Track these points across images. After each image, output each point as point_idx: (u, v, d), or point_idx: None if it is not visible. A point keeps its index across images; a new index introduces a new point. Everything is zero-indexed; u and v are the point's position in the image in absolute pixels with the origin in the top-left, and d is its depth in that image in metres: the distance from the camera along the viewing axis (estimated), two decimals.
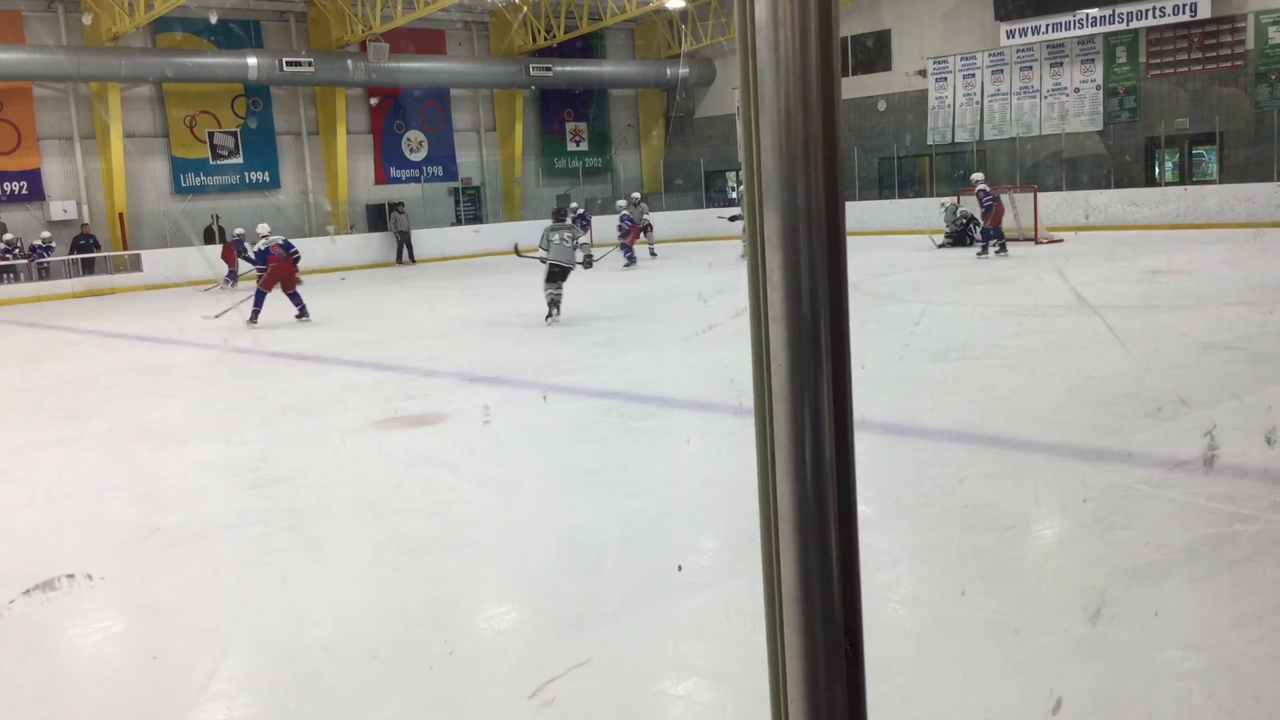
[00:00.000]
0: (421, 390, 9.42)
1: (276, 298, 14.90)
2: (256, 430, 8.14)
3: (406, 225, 26.83)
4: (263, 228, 15.89)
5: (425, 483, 6.45)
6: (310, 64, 25.69)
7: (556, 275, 13.22)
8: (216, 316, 15.13)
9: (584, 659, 3.80)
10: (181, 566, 5.13)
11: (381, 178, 29.13)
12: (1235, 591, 4.09)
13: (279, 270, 14.87)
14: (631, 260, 22.01)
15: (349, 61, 26.35)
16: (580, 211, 25.59)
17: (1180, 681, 3.49)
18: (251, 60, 25.06)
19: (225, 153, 26.55)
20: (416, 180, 29.56)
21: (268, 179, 27.20)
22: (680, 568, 4.59)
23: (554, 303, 13.20)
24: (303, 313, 14.85)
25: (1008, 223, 21.67)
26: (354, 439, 7.58)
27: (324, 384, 10.09)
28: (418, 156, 29.78)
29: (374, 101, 28.48)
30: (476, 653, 4.05)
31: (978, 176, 20.92)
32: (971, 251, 20.10)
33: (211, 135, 26.28)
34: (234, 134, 26.63)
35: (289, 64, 25.35)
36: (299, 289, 15.15)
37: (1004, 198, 21.43)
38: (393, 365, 10.96)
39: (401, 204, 27.36)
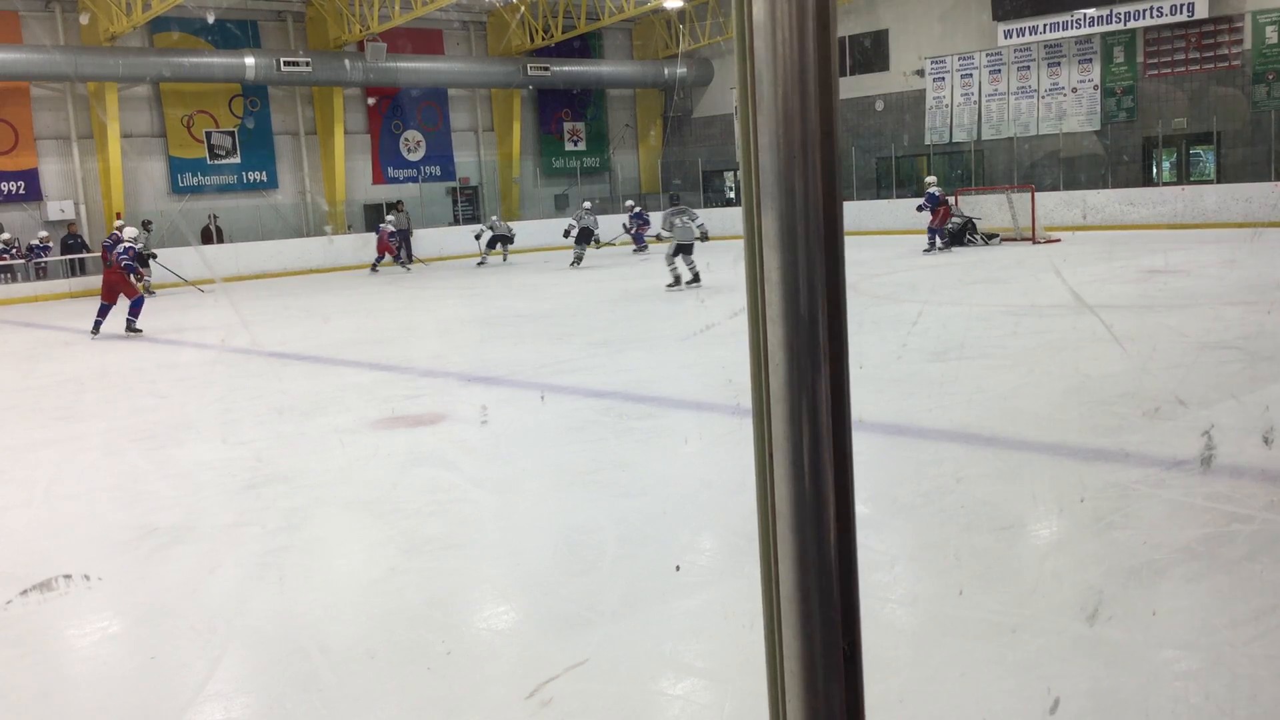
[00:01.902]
0: (420, 390, 9.42)
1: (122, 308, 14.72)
2: (254, 430, 8.14)
3: (407, 224, 26.83)
4: (128, 231, 15.61)
5: (423, 483, 6.45)
6: (308, 64, 25.69)
7: (683, 250, 16.02)
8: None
9: (582, 659, 3.80)
10: (179, 567, 5.13)
11: (379, 178, 29.14)
12: (1232, 591, 4.09)
13: (106, 279, 14.71)
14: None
15: (346, 61, 26.35)
16: (638, 210, 26.85)
17: (1177, 681, 3.49)
18: (249, 60, 25.06)
19: (223, 153, 26.55)
20: (414, 180, 29.56)
21: (265, 179, 27.19)
22: (678, 568, 4.59)
23: (679, 276, 16.08)
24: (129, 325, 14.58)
25: (1005, 223, 21.79)
26: (352, 439, 7.58)
27: (322, 384, 10.09)
28: (415, 156, 29.78)
29: (371, 101, 28.49)
30: (474, 653, 4.05)
31: (931, 179, 21.89)
32: (969, 251, 20.23)
33: (209, 135, 26.27)
34: (231, 134, 26.62)
35: (287, 64, 25.36)
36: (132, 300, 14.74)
37: (1000, 198, 21.68)
38: (391, 365, 10.96)
39: (401, 202, 27.38)
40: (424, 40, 28.75)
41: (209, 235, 25.71)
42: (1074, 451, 6.24)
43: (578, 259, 22.78)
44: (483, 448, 7.37)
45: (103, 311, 14.61)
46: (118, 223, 15.75)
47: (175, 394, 10.26)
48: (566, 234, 23.78)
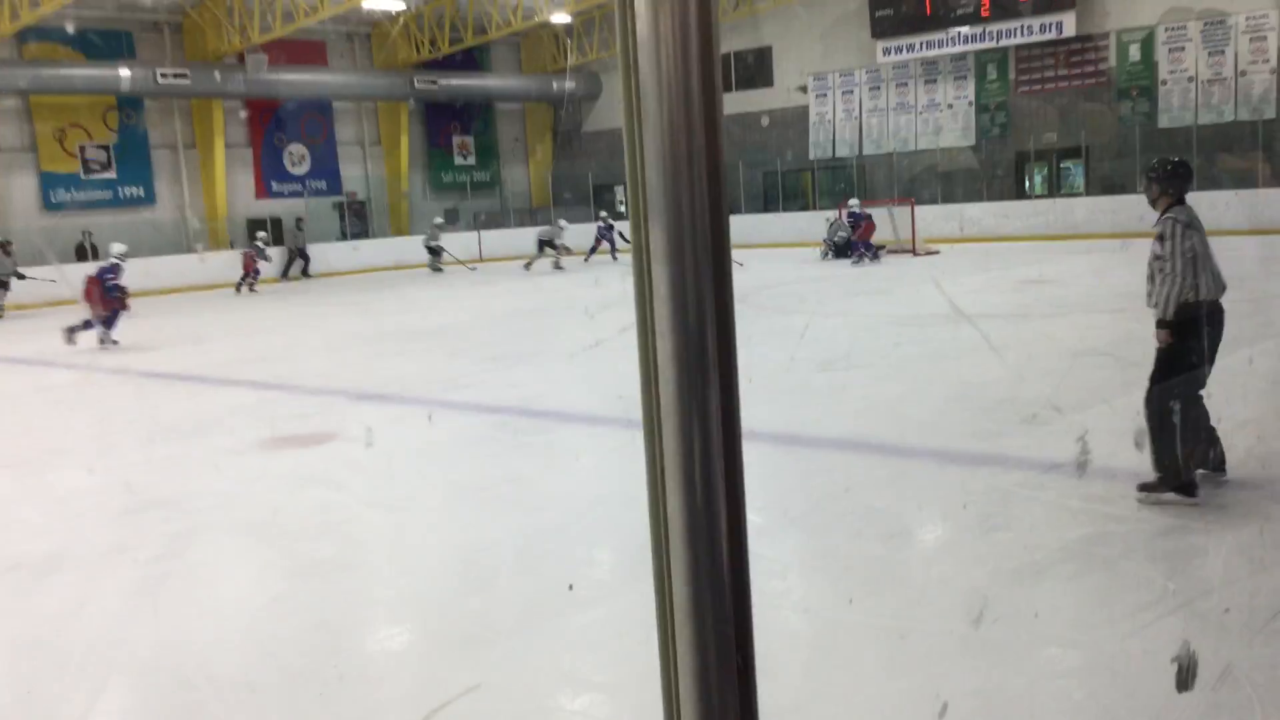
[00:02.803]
0: (308, 409, 9.22)
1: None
2: (132, 454, 7.87)
3: (304, 241, 26.37)
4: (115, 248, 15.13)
5: (312, 504, 6.30)
6: (186, 76, 25.01)
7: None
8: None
9: (479, 678, 3.76)
10: (53, 597, 4.91)
11: (262, 192, 28.46)
12: (1109, 589, 4.25)
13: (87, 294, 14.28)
14: None
15: (226, 73, 25.72)
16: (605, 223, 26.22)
17: (1059, 679, 3.60)
18: (124, 72, 24.28)
19: (97, 167, 25.64)
20: (299, 194, 28.94)
21: (143, 194, 26.34)
22: (571, 587, 4.57)
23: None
24: (67, 332, 14.12)
25: (887, 235, 22.32)
26: (237, 461, 7.38)
27: (206, 404, 9.80)
28: (300, 170, 29.18)
29: (243, 114, 27.70)
30: (368, 676, 3.98)
31: (854, 202, 22.32)
32: (851, 262, 20.70)
33: (83, 149, 25.35)
34: (106, 148, 25.73)
35: (164, 76, 24.65)
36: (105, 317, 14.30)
37: (881, 212, 22.29)
38: (278, 384, 10.71)
39: (301, 219, 26.90)
40: (306, 52, 28.20)
41: (83, 253, 24.76)
42: (957, 457, 6.41)
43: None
44: (373, 467, 7.24)
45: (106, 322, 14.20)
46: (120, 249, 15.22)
47: (47, 418, 9.85)
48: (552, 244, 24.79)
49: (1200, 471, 5.18)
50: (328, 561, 5.20)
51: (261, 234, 24.73)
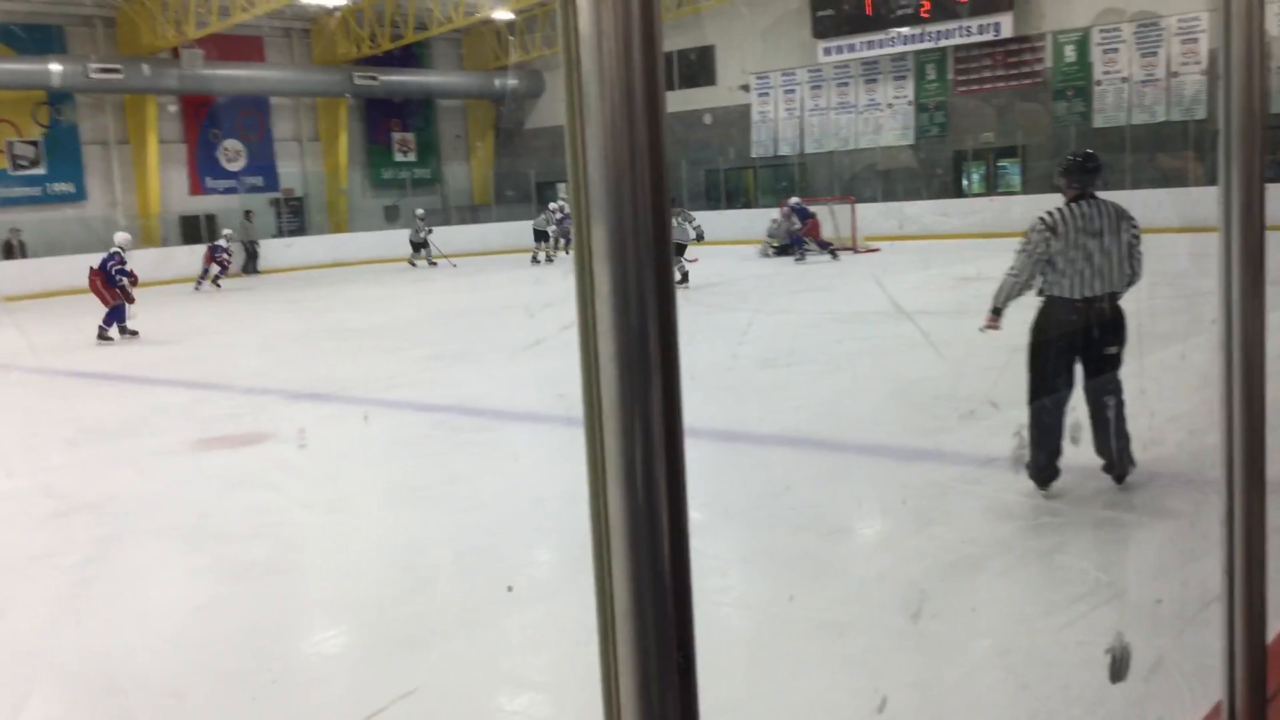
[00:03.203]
0: (240, 409, 9.07)
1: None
2: (58, 456, 7.68)
3: (255, 234, 25.93)
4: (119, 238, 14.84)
5: (245, 506, 6.20)
6: (119, 71, 24.50)
7: (676, 249, 15.84)
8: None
9: (417, 680, 3.72)
10: None
11: (197, 188, 27.96)
12: (1044, 582, 4.32)
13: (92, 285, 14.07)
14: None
15: (161, 68, 25.24)
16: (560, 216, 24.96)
17: (996, 671, 3.65)
18: (54, 67, 23.71)
19: (25, 163, 25.02)
20: (234, 191, 28.48)
21: (74, 190, 25.75)
22: (511, 588, 4.54)
23: (683, 275, 16.23)
24: (99, 331, 13.89)
25: (829, 233, 22.49)
26: (167, 462, 7.24)
27: (133, 405, 9.62)
28: (236, 166, 28.73)
29: (172, 109, 27.13)
30: (303, 679, 3.92)
31: (795, 201, 22.21)
32: (786, 261, 20.84)
33: (11, 145, 24.71)
34: (35, 144, 25.13)
35: (96, 70, 24.12)
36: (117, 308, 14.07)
37: (823, 210, 22.43)
38: (209, 383, 10.53)
39: (251, 212, 26.45)
40: (243, 47, 27.76)
41: (10, 250, 24.17)
42: (896, 453, 6.48)
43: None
44: (309, 467, 7.15)
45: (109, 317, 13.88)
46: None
47: None
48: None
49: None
50: (261, 564, 5.12)
51: (227, 230, 24.27)
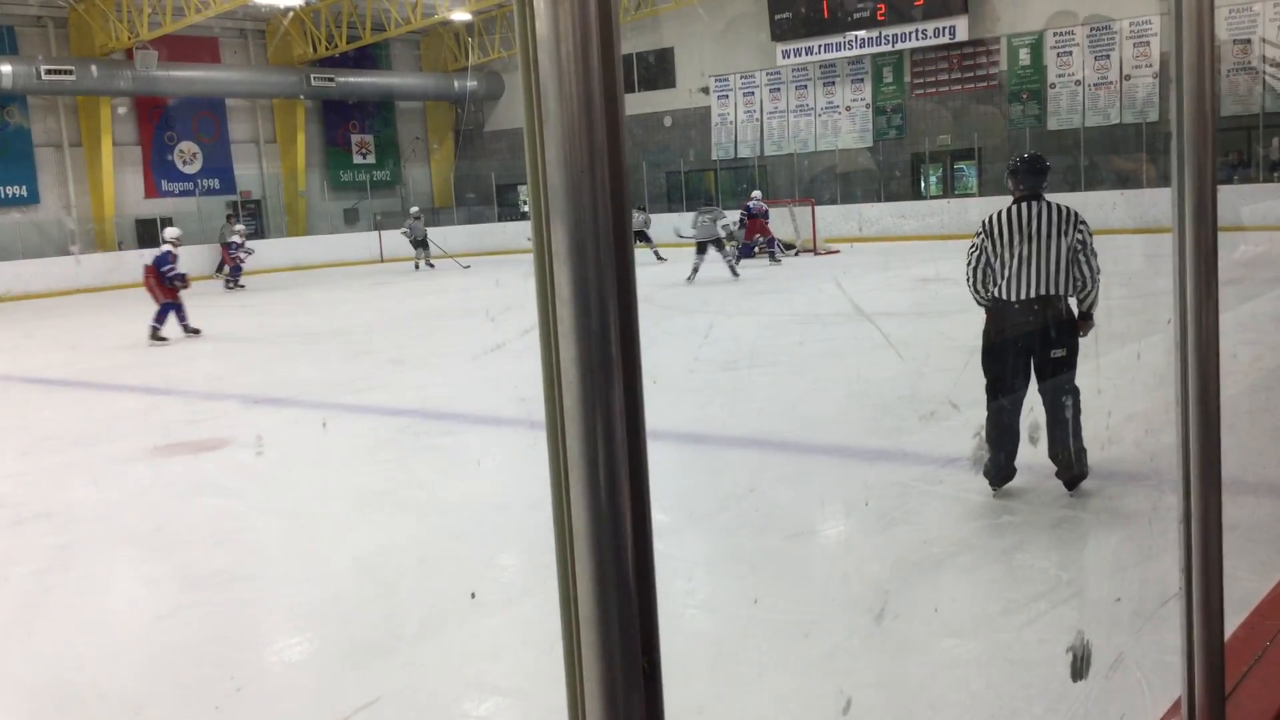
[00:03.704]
0: (200, 415, 8.97)
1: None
2: (12, 463, 7.56)
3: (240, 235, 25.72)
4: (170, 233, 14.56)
5: (206, 512, 6.13)
6: (71, 72, 24.16)
7: (707, 246, 17.74)
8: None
9: (381, 687, 3.69)
10: None
11: (152, 191, 27.64)
12: (1005, 581, 4.35)
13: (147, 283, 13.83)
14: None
15: (114, 70, 24.92)
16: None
17: (958, 670, 3.68)
18: (5, 68, 23.35)
19: None
20: (190, 194, 28.18)
21: (25, 194, 25.36)
22: (474, 595, 4.52)
23: (695, 269, 17.51)
24: (152, 331, 13.52)
25: (788, 234, 22.55)
26: (124, 469, 7.14)
27: (89, 411, 9.48)
28: (192, 169, 28.41)
29: (122, 110, 26.74)
30: (267, 688, 3.88)
31: (757, 194, 22.17)
32: (760, 262, 20.85)
33: None
34: None
35: (48, 72, 23.78)
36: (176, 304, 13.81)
37: (783, 211, 22.45)
38: (167, 389, 10.40)
39: (232, 215, 26.21)
40: (197, 48, 27.47)
41: None
42: (858, 453, 6.52)
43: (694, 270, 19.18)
44: (271, 473, 7.08)
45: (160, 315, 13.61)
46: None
47: None
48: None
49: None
50: (222, 572, 5.06)
51: (239, 226, 24.02)
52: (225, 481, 6.85)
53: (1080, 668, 3.31)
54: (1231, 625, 2.35)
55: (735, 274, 17.76)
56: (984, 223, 5.19)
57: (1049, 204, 5.14)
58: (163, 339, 13.51)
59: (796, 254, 21.79)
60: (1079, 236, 5.08)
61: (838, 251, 22.26)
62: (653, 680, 0.91)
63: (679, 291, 16.30)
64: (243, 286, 22.30)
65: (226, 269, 22.93)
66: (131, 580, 5.16)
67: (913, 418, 7.17)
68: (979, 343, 5.38)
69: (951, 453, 6.12)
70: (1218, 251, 1.85)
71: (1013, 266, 5.05)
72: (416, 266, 25.12)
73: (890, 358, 9.57)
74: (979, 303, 5.39)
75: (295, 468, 7.12)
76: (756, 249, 20.78)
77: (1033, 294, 5.03)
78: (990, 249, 5.14)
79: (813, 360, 9.72)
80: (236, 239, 22.97)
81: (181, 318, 13.83)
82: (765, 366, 9.58)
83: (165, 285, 13.73)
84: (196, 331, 13.90)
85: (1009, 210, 5.14)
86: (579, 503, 0.89)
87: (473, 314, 15.29)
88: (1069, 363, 5.09)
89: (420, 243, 25.17)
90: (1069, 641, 3.45)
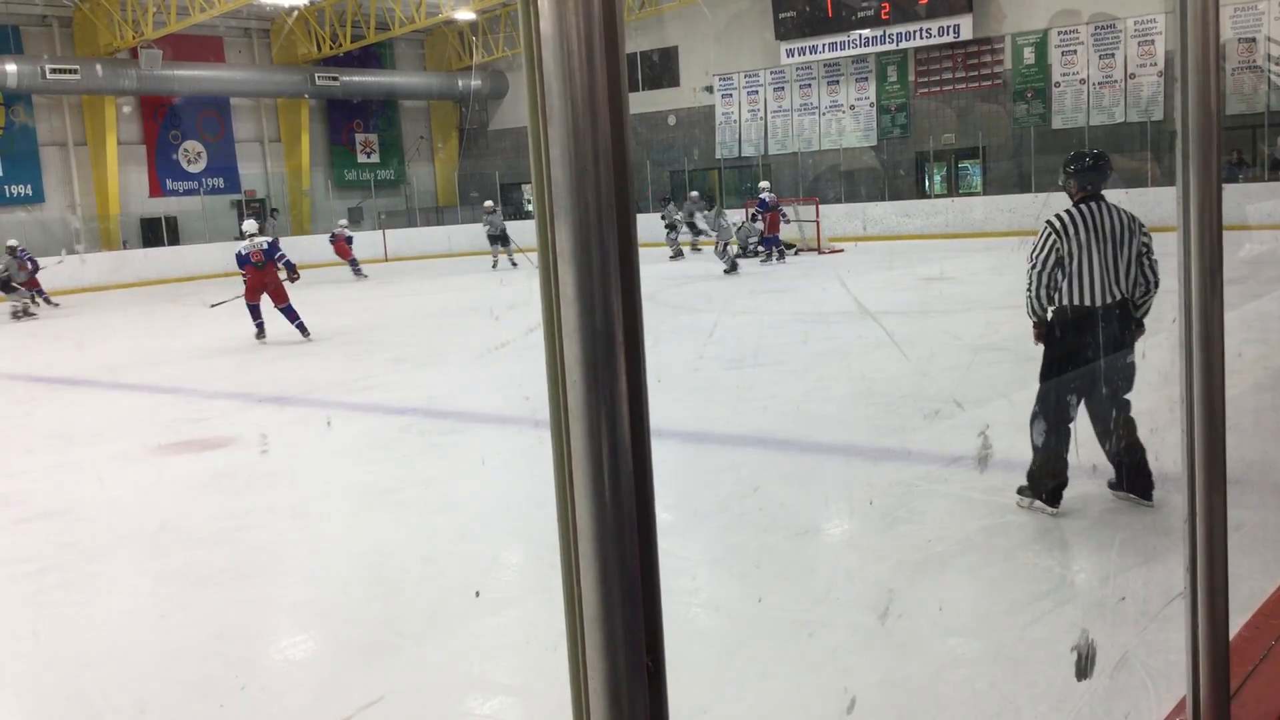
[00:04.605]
0: (206, 413, 8.98)
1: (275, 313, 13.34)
2: (20, 461, 7.57)
3: (275, 231, 25.57)
4: (248, 225, 14.12)
5: (212, 510, 6.14)
6: (76, 71, 24.20)
7: (672, 227, 19.37)
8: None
9: (386, 685, 3.70)
10: None
11: (157, 190, 27.67)
12: (1009, 579, 4.35)
13: (255, 281, 13.35)
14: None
15: (119, 69, 24.96)
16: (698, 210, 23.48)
17: (963, 668, 3.67)
18: (10, 67, 23.40)
19: None
20: (195, 193, 28.20)
21: (30, 193, 25.40)
22: (478, 593, 4.52)
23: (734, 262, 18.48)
24: (300, 329, 13.12)
25: (793, 234, 22.54)
26: (132, 467, 7.16)
27: (95, 409, 9.49)
28: (196, 168, 28.44)
29: (127, 109, 26.77)
30: (272, 686, 3.88)
31: (764, 185, 22.09)
32: (758, 261, 20.85)
33: None
34: None
35: (53, 71, 23.81)
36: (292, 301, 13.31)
37: (787, 210, 22.41)
38: (172, 387, 10.41)
39: (276, 209, 26.21)
40: (203, 47, 27.50)
41: None
42: (862, 452, 6.51)
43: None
44: (276, 471, 7.09)
45: (252, 313, 13.29)
46: (247, 224, 14.35)
47: None
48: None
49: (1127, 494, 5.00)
50: (227, 570, 5.07)
51: (342, 221, 24.29)
52: (230, 480, 6.86)
53: (1085, 667, 3.30)
54: (1237, 624, 2.35)
55: (734, 269, 18.27)
56: (1053, 223, 4.84)
57: (1111, 205, 4.89)
58: (306, 334, 13.13)
59: (797, 253, 21.77)
60: (1144, 240, 4.88)
61: (842, 250, 22.23)
62: (657, 679, 0.91)
63: (683, 290, 16.29)
64: (365, 276, 22.90)
65: (346, 261, 23.37)
66: (136, 579, 5.17)
67: (917, 416, 7.16)
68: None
69: (956, 452, 6.11)
70: (1223, 250, 1.85)
71: (1089, 269, 4.77)
72: (494, 264, 23.32)
73: (894, 356, 9.56)
74: (1035, 314, 5.00)
75: (300, 466, 7.12)
76: (775, 250, 20.49)
77: (1109, 298, 4.80)
78: (1064, 249, 4.80)
79: (817, 359, 9.71)
80: (347, 230, 23.70)
81: (293, 316, 13.27)
82: (769, 365, 9.57)
83: (291, 273, 13.36)
84: (307, 335, 13.29)
85: (1076, 210, 4.85)
86: (583, 501, 0.89)
87: (476, 313, 15.29)
88: (1133, 370, 4.88)
89: (499, 237, 23.47)
90: (1073, 640, 3.45)
